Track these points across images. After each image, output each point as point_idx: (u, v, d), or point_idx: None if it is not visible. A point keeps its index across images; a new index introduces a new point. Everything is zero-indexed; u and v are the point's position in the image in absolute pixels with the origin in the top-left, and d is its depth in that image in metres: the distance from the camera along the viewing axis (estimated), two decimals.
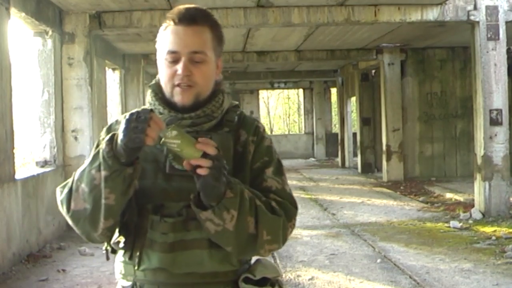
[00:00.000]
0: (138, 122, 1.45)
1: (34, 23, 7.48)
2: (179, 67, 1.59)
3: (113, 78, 12.65)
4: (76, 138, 8.34)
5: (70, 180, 1.62)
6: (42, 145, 8.05)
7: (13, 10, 6.56)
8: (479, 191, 8.75)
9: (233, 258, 1.61)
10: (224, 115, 1.68)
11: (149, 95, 1.70)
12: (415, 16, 8.66)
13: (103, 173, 1.51)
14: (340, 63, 16.97)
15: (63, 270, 6.17)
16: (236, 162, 1.63)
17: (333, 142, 22.87)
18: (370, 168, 16.41)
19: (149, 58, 13.48)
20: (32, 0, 7.15)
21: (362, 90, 16.55)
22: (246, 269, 1.66)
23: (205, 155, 1.46)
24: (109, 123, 1.77)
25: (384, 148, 14.03)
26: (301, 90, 26.68)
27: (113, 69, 12.60)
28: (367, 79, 16.62)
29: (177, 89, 1.61)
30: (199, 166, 1.46)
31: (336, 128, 24.60)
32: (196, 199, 1.52)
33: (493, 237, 7.19)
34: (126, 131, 1.46)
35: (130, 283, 1.63)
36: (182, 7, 1.64)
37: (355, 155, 18.56)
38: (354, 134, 18.68)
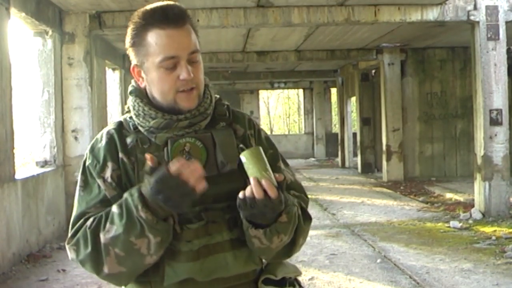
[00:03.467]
0: (177, 188, 1.36)
1: (34, 23, 7.48)
2: (183, 72, 1.49)
3: (113, 78, 12.64)
4: (76, 138, 8.34)
5: (79, 236, 1.46)
6: (42, 145, 8.05)
7: (13, 10, 6.56)
8: (479, 191, 8.74)
9: (256, 257, 1.56)
10: (214, 109, 1.62)
11: (132, 102, 1.58)
12: (415, 16, 8.66)
13: (154, 240, 1.40)
14: (340, 63, 16.97)
15: (63, 270, 6.17)
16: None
17: (333, 142, 22.87)
18: (370, 168, 16.41)
19: None
20: (32, 0, 7.15)
21: (362, 90, 16.54)
22: (264, 267, 1.62)
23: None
24: (91, 145, 1.65)
25: (384, 148, 14.03)
26: (301, 90, 26.67)
27: (113, 69, 12.60)
28: (367, 79, 16.61)
29: (182, 95, 1.52)
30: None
31: (336, 128, 24.59)
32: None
33: (493, 237, 7.19)
34: (176, 201, 1.37)
35: None
36: (158, 6, 1.51)
37: (355, 155, 18.55)
38: (354, 134, 18.68)
